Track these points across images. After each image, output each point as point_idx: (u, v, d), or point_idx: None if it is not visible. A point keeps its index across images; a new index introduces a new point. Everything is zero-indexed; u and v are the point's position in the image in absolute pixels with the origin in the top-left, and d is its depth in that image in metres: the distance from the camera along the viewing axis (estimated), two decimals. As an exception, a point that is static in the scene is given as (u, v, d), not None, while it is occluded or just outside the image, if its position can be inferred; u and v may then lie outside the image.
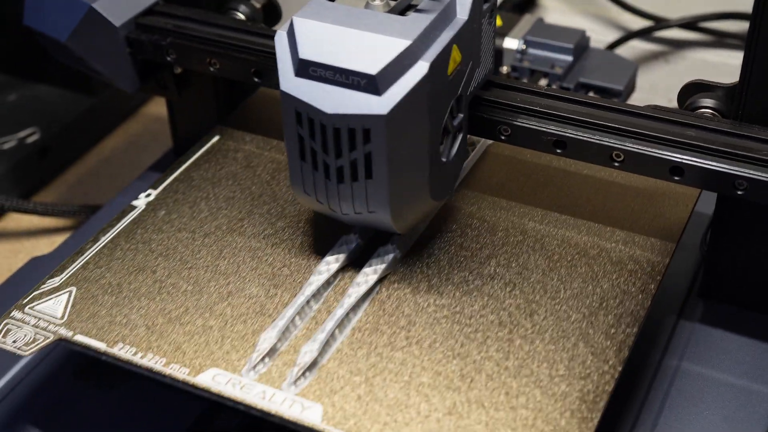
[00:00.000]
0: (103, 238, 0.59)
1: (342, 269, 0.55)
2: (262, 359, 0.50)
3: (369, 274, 0.54)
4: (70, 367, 0.60)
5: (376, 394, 0.49)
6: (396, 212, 0.51)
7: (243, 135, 0.67)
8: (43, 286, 0.55)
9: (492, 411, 0.48)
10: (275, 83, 0.61)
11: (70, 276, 0.56)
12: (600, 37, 0.92)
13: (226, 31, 0.63)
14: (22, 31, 0.68)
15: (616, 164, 0.54)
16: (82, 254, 0.57)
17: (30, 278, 0.66)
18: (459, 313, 0.53)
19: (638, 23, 0.94)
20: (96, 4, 0.63)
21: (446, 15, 0.50)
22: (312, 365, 0.50)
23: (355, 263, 0.56)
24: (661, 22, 0.93)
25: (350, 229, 0.57)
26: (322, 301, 0.54)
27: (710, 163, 0.52)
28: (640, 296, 0.53)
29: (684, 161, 0.52)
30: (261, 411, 0.48)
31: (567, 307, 0.53)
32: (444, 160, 0.53)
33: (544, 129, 0.55)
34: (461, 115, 0.53)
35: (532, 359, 0.50)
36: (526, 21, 0.81)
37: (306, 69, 0.49)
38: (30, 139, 0.86)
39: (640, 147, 0.53)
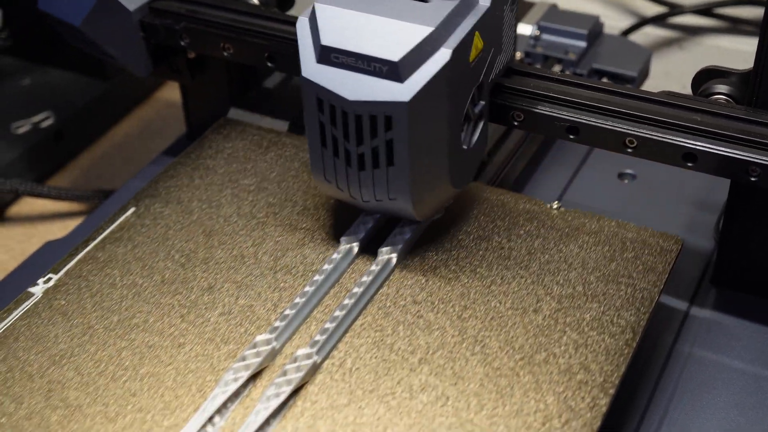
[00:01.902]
0: None
1: (254, 376, 0.49)
2: None
3: (282, 386, 0.48)
4: None
5: None
6: (417, 199, 0.51)
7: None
8: None
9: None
10: (289, 68, 0.62)
11: None
12: (614, 23, 0.91)
13: (239, 15, 0.63)
14: (36, 16, 0.68)
15: (630, 150, 0.54)
16: None
17: (44, 262, 0.67)
18: (406, 406, 0.47)
19: (652, 9, 0.93)
20: (110, -11, 0.63)
21: (469, 2, 0.50)
22: None
23: (271, 366, 0.50)
24: (675, 8, 0.92)
25: (267, 326, 0.51)
26: (226, 417, 0.47)
27: (724, 149, 0.52)
28: (589, 415, 0.47)
29: (697, 147, 0.52)
30: None
31: (504, 428, 0.46)
32: (465, 147, 0.53)
33: (558, 115, 0.55)
34: (482, 103, 0.53)
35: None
36: (540, 7, 0.81)
37: (328, 56, 0.49)
38: (44, 124, 0.86)
39: (653, 133, 0.53)
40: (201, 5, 0.64)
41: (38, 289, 0.55)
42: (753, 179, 0.52)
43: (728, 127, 0.52)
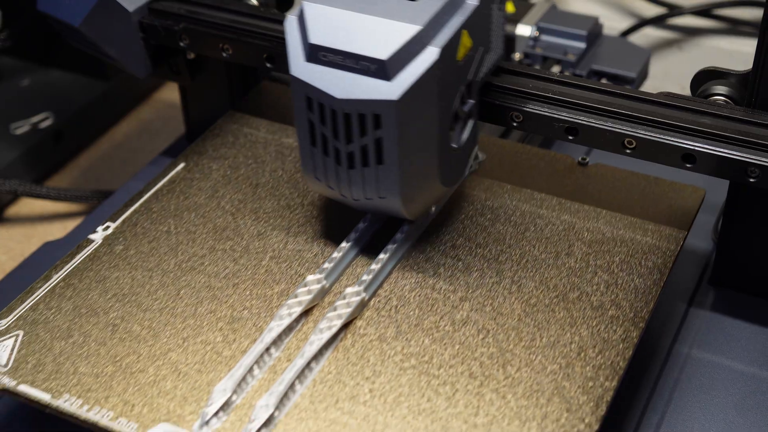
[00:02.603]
0: (55, 276, 0.55)
1: (305, 313, 0.52)
2: (216, 413, 0.47)
3: (333, 320, 0.50)
4: (19, 416, 0.56)
5: None
6: (406, 198, 0.51)
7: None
8: None
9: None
10: (288, 69, 0.62)
11: (17, 318, 0.52)
12: (613, 24, 0.92)
13: (238, 16, 0.63)
14: (35, 16, 0.68)
15: (628, 151, 0.54)
16: (32, 294, 0.54)
17: (43, 263, 0.67)
18: (427, 362, 0.49)
19: (652, 10, 0.94)
20: (109, -10, 0.63)
21: (457, 0, 0.50)
22: (268, 421, 0.47)
23: (321, 303, 0.53)
24: (674, 9, 0.92)
25: (316, 268, 0.55)
26: (282, 348, 0.50)
27: (723, 150, 0.52)
28: (621, 346, 0.50)
29: (696, 148, 0.52)
30: None
31: (543, 357, 0.49)
32: (454, 145, 0.53)
33: (557, 116, 0.55)
34: (471, 101, 0.53)
35: (503, 416, 0.47)
36: (539, 7, 0.81)
37: (316, 54, 0.49)
38: (43, 124, 0.86)
39: (652, 134, 0.53)
40: (200, 6, 0.65)
41: (98, 236, 0.58)
42: (752, 180, 0.52)
43: (727, 128, 0.52)
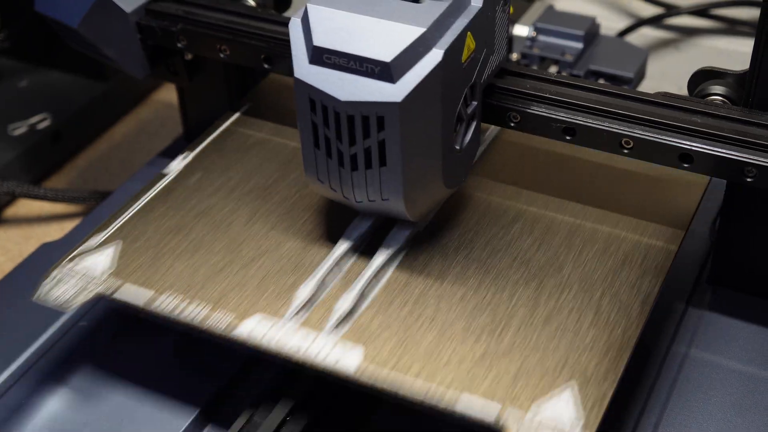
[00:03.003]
0: (142, 198, 0.60)
1: (372, 231, 0.57)
2: (302, 308, 0.52)
3: (398, 237, 0.56)
4: (112, 321, 0.62)
5: (412, 340, 0.50)
6: (410, 200, 0.51)
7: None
8: (86, 243, 0.57)
9: (521, 358, 0.49)
10: (286, 69, 0.62)
11: (112, 233, 0.58)
12: (610, 24, 0.92)
13: (236, 17, 0.63)
14: (33, 17, 0.68)
15: (626, 151, 0.54)
16: (123, 213, 0.59)
17: (41, 264, 0.67)
18: (487, 270, 0.54)
19: (649, 10, 0.94)
20: (107, -9, 0.63)
21: (460, 2, 0.50)
22: (349, 314, 0.52)
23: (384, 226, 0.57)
24: (671, 9, 0.93)
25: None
26: (355, 258, 0.55)
27: (720, 150, 0.52)
28: (662, 256, 0.54)
29: (693, 148, 0.52)
30: (303, 355, 0.50)
31: (592, 263, 0.54)
32: (457, 147, 0.53)
33: (554, 116, 0.55)
34: (475, 103, 0.53)
35: (559, 311, 0.52)
36: (537, 8, 0.81)
37: (320, 56, 0.49)
38: (41, 125, 0.86)
39: (649, 134, 0.53)
40: (198, 7, 0.65)
41: (177, 165, 0.63)
42: (749, 180, 0.52)
43: (724, 128, 0.53)
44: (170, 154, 0.77)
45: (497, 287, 0.53)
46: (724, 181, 0.58)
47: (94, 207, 0.76)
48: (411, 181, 0.51)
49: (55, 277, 0.54)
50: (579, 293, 0.53)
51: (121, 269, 0.55)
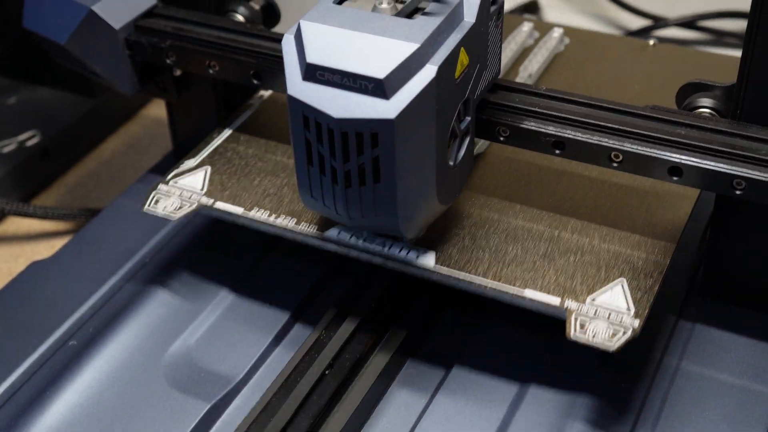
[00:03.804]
0: (227, 129, 0.67)
1: None
2: None
3: None
4: (203, 239, 0.69)
5: (479, 243, 0.56)
6: (404, 216, 0.51)
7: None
8: (181, 166, 0.63)
9: (579, 255, 0.55)
10: (275, 85, 0.62)
11: (203, 158, 0.64)
12: (599, 36, 0.92)
13: (225, 33, 0.63)
14: (21, 34, 0.68)
15: (615, 165, 0.54)
16: (211, 141, 0.65)
17: (30, 283, 0.67)
18: (531, 204, 0.60)
19: (637, 22, 0.94)
20: (95, 7, 0.63)
21: (453, 18, 0.50)
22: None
23: None
24: (659, 21, 0.93)
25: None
26: None
27: (709, 163, 0.52)
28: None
29: (682, 161, 0.52)
30: (383, 256, 0.56)
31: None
32: (451, 163, 0.53)
33: (543, 130, 0.55)
34: (468, 118, 0.53)
35: (610, 223, 0.57)
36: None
37: (313, 73, 0.48)
38: (30, 142, 0.86)
39: (638, 147, 0.53)
40: (186, 23, 0.65)
41: (256, 101, 0.70)
42: (738, 192, 0.52)
43: (713, 141, 0.53)
44: (160, 170, 0.76)
45: (556, 197, 0.60)
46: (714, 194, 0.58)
47: (84, 224, 0.76)
48: (405, 197, 0.51)
49: (157, 193, 0.61)
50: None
51: (215, 186, 0.61)
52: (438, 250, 0.56)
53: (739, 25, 0.91)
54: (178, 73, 0.68)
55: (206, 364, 0.60)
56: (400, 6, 0.50)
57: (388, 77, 0.47)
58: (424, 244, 0.56)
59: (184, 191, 0.61)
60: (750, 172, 0.51)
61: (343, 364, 0.57)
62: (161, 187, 0.61)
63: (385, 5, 0.50)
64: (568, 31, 0.76)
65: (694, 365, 0.58)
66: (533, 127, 0.55)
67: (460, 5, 0.50)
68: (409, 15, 0.50)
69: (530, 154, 0.60)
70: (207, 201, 0.60)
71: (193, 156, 0.64)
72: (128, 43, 0.64)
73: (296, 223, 0.58)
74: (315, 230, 0.57)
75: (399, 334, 0.59)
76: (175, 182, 0.62)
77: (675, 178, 0.53)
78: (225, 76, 0.64)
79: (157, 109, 0.96)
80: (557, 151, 0.55)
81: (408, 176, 0.50)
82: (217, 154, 0.64)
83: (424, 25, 0.49)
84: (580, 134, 0.54)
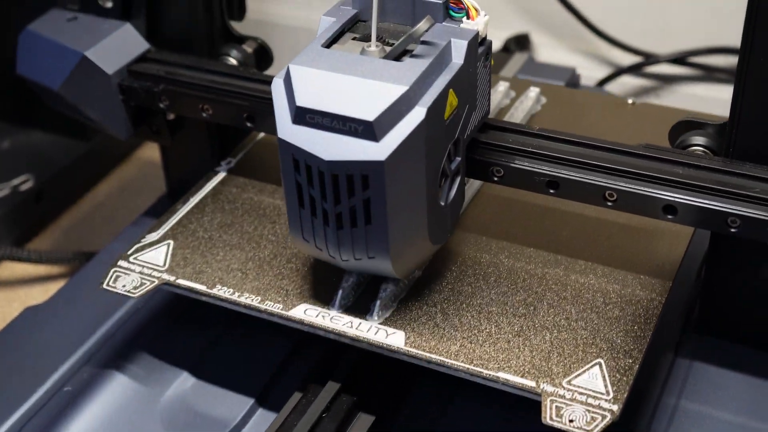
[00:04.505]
0: (191, 199, 0.65)
1: None
2: (347, 294, 0.55)
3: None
4: (168, 311, 0.66)
5: (451, 321, 0.54)
6: (396, 257, 0.51)
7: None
8: (142, 240, 0.61)
9: (555, 332, 0.53)
10: (268, 128, 0.62)
11: (166, 231, 0.62)
12: (590, 73, 0.92)
13: (218, 76, 0.64)
14: (14, 78, 0.68)
15: (610, 204, 0.54)
16: (175, 213, 0.63)
17: (25, 329, 0.66)
18: (518, 253, 0.58)
19: (628, 59, 0.95)
20: (89, 52, 0.63)
21: (442, 60, 0.50)
22: (392, 298, 0.55)
23: None
24: (650, 58, 0.94)
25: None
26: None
27: (703, 201, 0.52)
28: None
29: (677, 200, 0.52)
30: (350, 338, 0.54)
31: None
32: (442, 203, 0.53)
33: (537, 170, 0.55)
34: (459, 159, 0.53)
35: (587, 290, 0.56)
36: (517, 60, 0.82)
37: (303, 116, 0.49)
38: (24, 187, 0.86)
39: (632, 186, 0.53)
40: (179, 67, 0.65)
41: (223, 168, 0.67)
42: (733, 230, 0.52)
43: (707, 179, 0.53)
44: (154, 212, 0.76)
45: (531, 266, 0.58)
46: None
47: (79, 268, 0.75)
48: (397, 238, 0.50)
49: (117, 270, 0.58)
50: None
51: (178, 261, 0.59)
52: (408, 329, 0.54)
53: (730, 61, 0.91)
54: (171, 116, 0.69)
55: (203, 408, 0.59)
56: (388, 49, 0.50)
57: (377, 120, 0.47)
58: (393, 322, 0.54)
59: (145, 267, 0.59)
60: (744, 209, 0.51)
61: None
62: (121, 263, 0.59)
63: (373, 48, 0.50)
64: (545, 89, 0.72)
65: (692, 403, 0.58)
66: (527, 167, 0.55)
67: (448, 47, 0.51)
68: (398, 57, 0.50)
69: (523, 193, 0.60)
70: (168, 277, 0.58)
71: (156, 229, 0.62)
72: (121, 88, 0.64)
73: (260, 302, 0.56)
74: (280, 308, 0.56)
75: (368, 417, 0.57)
76: (136, 258, 0.59)
77: (670, 217, 0.53)
78: (218, 120, 0.64)
79: (151, 151, 0.96)
80: (551, 191, 0.55)
81: (399, 217, 0.50)
82: (181, 227, 0.62)
83: (413, 68, 0.49)
84: (574, 174, 0.54)
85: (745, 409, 0.57)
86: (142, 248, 0.60)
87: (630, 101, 0.72)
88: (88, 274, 0.71)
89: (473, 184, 0.64)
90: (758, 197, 0.51)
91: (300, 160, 0.49)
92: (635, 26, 0.94)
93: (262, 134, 0.70)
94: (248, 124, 0.62)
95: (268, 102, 0.61)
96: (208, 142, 0.73)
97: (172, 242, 0.61)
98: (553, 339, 0.53)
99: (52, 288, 0.77)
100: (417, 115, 0.48)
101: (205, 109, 0.63)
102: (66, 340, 0.65)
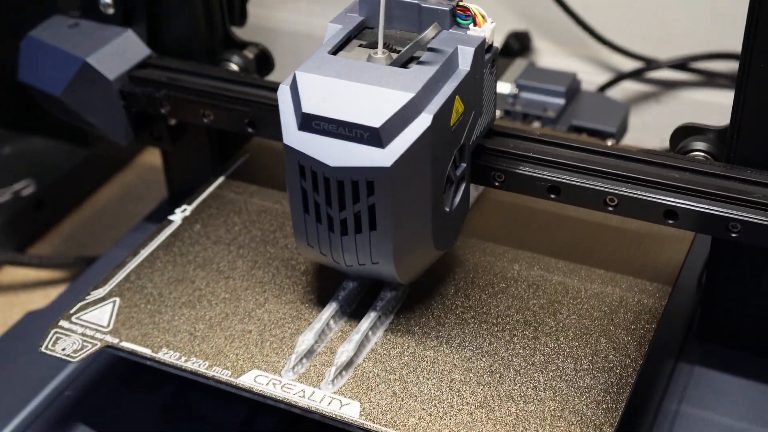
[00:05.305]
0: (142, 252, 0.61)
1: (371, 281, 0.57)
2: (301, 360, 0.53)
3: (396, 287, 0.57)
4: (115, 371, 0.63)
5: (410, 390, 0.51)
6: (400, 263, 0.51)
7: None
8: (87, 297, 0.58)
9: (521, 404, 0.50)
10: (269, 134, 0.62)
11: (113, 287, 0.59)
12: (591, 78, 0.92)
13: (219, 82, 0.64)
14: (15, 84, 0.68)
15: (611, 209, 0.54)
16: (123, 267, 0.60)
17: (26, 333, 0.66)
18: (485, 313, 0.55)
19: (629, 64, 0.94)
20: (90, 59, 0.63)
21: (448, 67, 0.50)
22: (348, 365, 0.53)
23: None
24: (651, 63, 0.93)
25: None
26: (355, 305, 0.56)
27: (704, 206, 0.52)
28: (655, 297, 0.55)
29: (678, 205, 0.52)
30: (301, 409, 0.51)
31: (588, 306, 0.55)
32: (447, 209, 0.53)
33: (538, 175, 0.55)
34: (464, 165, 0.53)
35: (557, 355, 0.53)
36: (518, 65, 0.82)
37: (309, 123, 0.49)
38: (25, 192, 0.86)
39: (634, 191, 0.53)
40: (181, 73, 0.65)
41: (177, 217, 0.64)
42: (734, 235, 0.52)
43: (708, 184, 0.53)
44: (156, 218, 0.76)
45: (498, 327, 0.55)
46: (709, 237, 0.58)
47: (80, 273, 0.75)
48: (401, 244, 0.50)
49: (58, 332, 0.55)
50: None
51: (123, 321, 0.56)
52: (364, 399, 0.51)
53: (731, 67, 0.91)
54: (172, 122, 0.69)
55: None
56: (395, 56, 0.50)
57: (383, 126, 0.47)
58: (349, 392, 0.51)
59: (88, 328, 0.55)
60: (745, 215, 0.51)
61: None
62: (62, 323, 0.56)
63: (380, 55, 0.50)
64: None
65: (693, 409, 0.58)
66: (528, 172, 0.55)
67: (454, 54, 0.51)
68: (404, 64, 0.50)
69: (525, 198, 0.60)
70: (111, 340, 0.55)
71: (102, 285, 0.59)
72: (123, 94, 0.64)
73: (208, 368, 0.53)
74: (228, 376, 0.52)
75: None
76: (79, 317, 0.56)
77: (671, 222, 0.53)
78: (220, 125, 0.64)
79: (152, 157, 0.96)
80: (552, 196, 0.55)
81: (404, 223, 0.50)
82: (129, 282, 0.59)
83: (419, 75, 0.49)
84: (575, 179, 0.54)
85: (746, 415, 0.57)
86: (87, 306, 0.57)
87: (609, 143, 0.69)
88: (88, 280, 0.71)
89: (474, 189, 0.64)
90: (759, 202, 0.51)
91: (306, 166, 0.49)
92: (636, 32, 0.93)
93: (221, 178, 0.68)
94: (249, 130, 0.62)
95: (269, 108, 0.61)
96: (209, 147, 0.73)
97: (118, 300, 0.58)
98: (519, 411, 0.50)
99: (53, 293, 0.77)
100: (423, 122, 0.48)
101: (207, 115, 0.63)
102: (67, 345, 0.65)
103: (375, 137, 0.47)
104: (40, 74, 0.65)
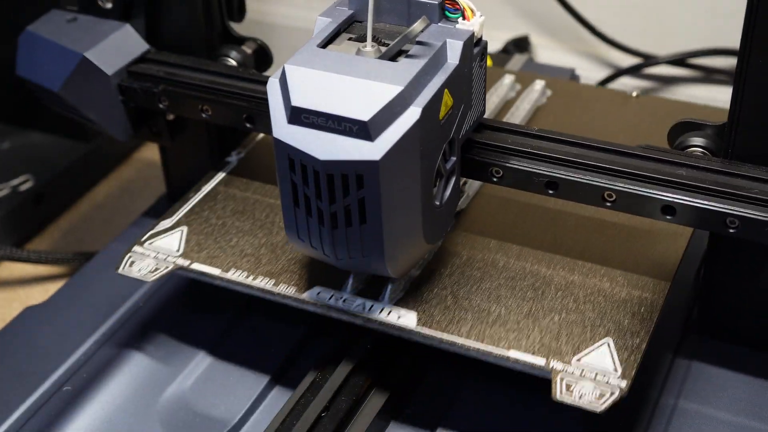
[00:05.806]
0: (204, 188, 0.66)
1: None
2: (360, 278, 0.56)
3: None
4: (182, 296, 0.68)
5: (462, 304, 0.55)
6: (391, 257, 0.51)
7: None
8: (157, 227, 0.62)
9: (564, 314, 0.54)
10: (267, 129, 0.62)
11: (180, 217, 0.63)
12: (590, 74, 0.93)
13: (217, 77, 0.64)
14: (14, 79, 0.68)
15: (609, 204, 0.54)
16: (187, 201, 0.64)
17: (25, 328, 0.66)
18: (527, 243, 0.59)
19: (627, 60, 0.95)
20: (88, 53, 0.63)
21: (437, 60, 0.50)
22: (403, 281, 0.56)
23: None
24: (650, 59, 0.94)
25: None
26: None
27: (702, 202, 0.52)
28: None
29: (676, 200, 0.53)
30: (363, 319, 0.55)
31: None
32: (437, 203, 0.53)
33: (536, 170, 0.55)
34: (454, 158, 0.53)
35: (594, 274, 0.57)
36: (516, 61, 0.82)
37: (298, 116, 0.49)
38: (23, 187, 0.86)
39: (631, 187, 0.53)
40: (179, 68, 0.65)
41: (234, 159, 0.69)
42: (731, 231, 0.52)
43: (705, 180, 0.53)
44: (154, 213, 0.76)
45: (539, 252, 0.59)
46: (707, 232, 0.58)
47: (78, 268, 0.75)
48: (392, 238, 0.51)
49: (132, 255, 0.59)
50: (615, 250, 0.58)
51: (192, 247, 0.60)
52: (420, 310, 0.55)
53: (729, 63, 0.91)
54: (171, 117, 0.69)
55: (201, 408, 0.59)
56: (383, 49, 0.50)
57: (372, 119, 0.47)
58: (405, 304, 0.55)
59: (160, 252, 0.60)
60: (743, 210, 0.51)
61: (325, 429, 0.55)
62: (136, 248, 0.60)
63: (368, 48, 0.50)
64: (550, 82, 0.74)
65: (691, 403, 0.58)
66: (526, 168, 0.55)
67: (443, 47, 0.51)
68: (393, 58, 0.50)
69: (523, 194, 0.61)
70: (183, 262, 0.59)
71: (170, 216, 0.63)
72: (121, 89, 0.65)
73: (274, 285, 0.57)
74: (294, 292, 0.57)
75: (381, 396, 0.57)
76: (151, 243, 0.60)
77: (668, 217, 0.53)
78: (218, 121, 0.64)
79: (151, 152, 0.96)
80: (550, 191, 0.55)
81: (394, 217, 0.50)
82: (194, 214, 0.63)
83: (408, 68, 0.49)
84: (573, 174, 0.54)
85: (744, 410, 0.57)
86: (156, 234, 0.61)
87: (634, 94, 0.74)
88: (87, 275, 0.71)
89: (473, 184, 0.64)
90: (757, 198, 0.51)
91: (295, 159, 0.49)
92: (634, 27, 0.94)
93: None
94: (248, 125, 0.62)
95: (267, 103, 0.61)
96: (207, 142, 0.73)
97: (185, 228, 0.62)
98: (562, 320, 0.54)
99: (52, 288, 0.77)
100: (412, 115, 0.48)
101: (205, 110, 0.63)
102: (65, 340, 0.65)
103: (364, 130, 0.47)
104: (38, 69, 0.65)
